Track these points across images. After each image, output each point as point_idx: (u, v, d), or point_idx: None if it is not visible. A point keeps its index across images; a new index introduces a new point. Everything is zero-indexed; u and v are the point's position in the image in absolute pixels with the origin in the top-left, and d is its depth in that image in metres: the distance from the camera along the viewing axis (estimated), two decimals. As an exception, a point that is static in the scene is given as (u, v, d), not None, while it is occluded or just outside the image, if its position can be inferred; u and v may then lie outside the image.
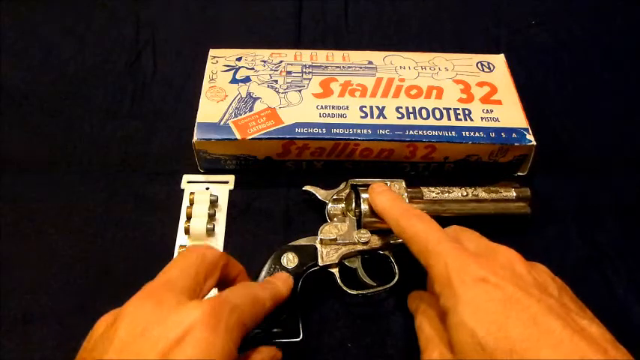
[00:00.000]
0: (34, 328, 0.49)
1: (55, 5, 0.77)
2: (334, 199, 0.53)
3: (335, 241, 0.50)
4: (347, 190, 0.54)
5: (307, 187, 0.55)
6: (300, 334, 0.46)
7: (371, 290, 0.50)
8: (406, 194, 0.52)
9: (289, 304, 0.46)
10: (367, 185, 0.53)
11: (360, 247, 0.50)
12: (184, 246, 0.54)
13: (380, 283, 0.50)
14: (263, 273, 0.48)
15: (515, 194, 0.54)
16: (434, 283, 0.38)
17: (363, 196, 0.51)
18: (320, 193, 0.54)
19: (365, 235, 0.50)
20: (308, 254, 0.49)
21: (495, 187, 0.55)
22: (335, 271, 0.50)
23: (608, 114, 0.68)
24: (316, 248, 0.50)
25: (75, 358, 0.36)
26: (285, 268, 0.48)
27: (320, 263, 0.49)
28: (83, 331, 0.49)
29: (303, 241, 0.50)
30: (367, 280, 0.50)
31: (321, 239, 0.50)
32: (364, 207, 0.51)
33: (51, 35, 0.74)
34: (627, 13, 0.80)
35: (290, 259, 0.49)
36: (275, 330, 0.45)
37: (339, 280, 0.49)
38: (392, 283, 0.50)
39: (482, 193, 0.54)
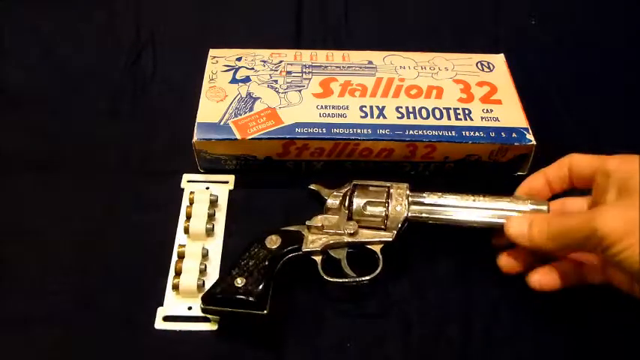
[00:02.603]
0: (34, 328, 0.49)
1: (55, 5, 0.77)
2: (333, 195, 0.54)
3: (322, 228, 0.51)
4: (347, 188, 0.54)
5: (313, 186, 0.56)
6: (265, 308, 0.47)
7: (349, 280, 0.50)
8: (407, 197, 0.52)
9: (264, 277, 0.48)
10: (369, 185, 0.53)
11: (346, 239, 0.51)
12: (184, 245, 0.54)
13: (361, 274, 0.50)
14: (246, 253, 0.49)
15: (530, 207, 0.50)
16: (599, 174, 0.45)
17: (356, 193, 0.52)
18: (324, 192, 0.54)
19: (352, 226, 0.51)
20: (292, 238, 0.51)
21: (511, 198, 0.51)
22: (317, 258, 0.50)
23: (609, 114, 0.68)
24: (302, 234, 0.51)
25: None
26: (268, 248, 0.50)
27: (303, 248, 0.50)
28: (83, 330, 0.49)
29: (292, 227, 0.52)
30: (348, 271, 0.50)
31: (308, 226, 0.51)
32: (356, 202, 0.51)
33: (51, 35, 0.74)
34: (627, 13, 0.80)
35: (273, 240, 0.50)
36: (241, 297, 0.47)
37: (319, 268, 0.50)
38: (372, 275, 0.50)
39: (488, 201, 0.51)
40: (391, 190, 0.52)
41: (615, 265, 0.41)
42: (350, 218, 0.51)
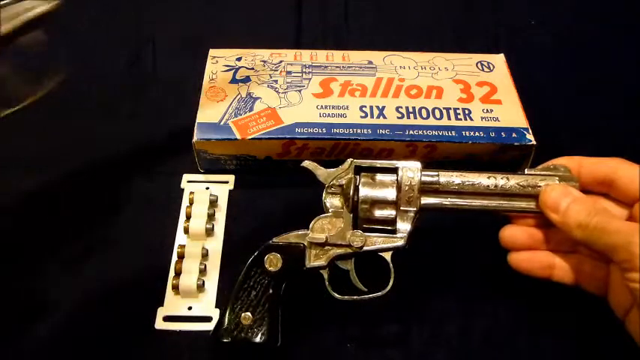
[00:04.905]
0: (34, 328, 0.49)
1: (55, 5, 0.77)
2: (330, 193, 0.47)
3: (325, 243, 0.46)
4: (349, 175, 0.47)
5: (306, 164, 0.49)
6: (278, 340, 0.45)
7: (361, 297, 0.46)
8: (419, 187, 0.45)
9: (271, 308, 0.45)
10: (371, 168, 0.47)
11: (354, 249, 0.46)
12: (184, 245, 0.54)
13: (373, 288, 0.47)
14: (241, 276, 0.46)
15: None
16: None
17: (363, 180, 0.46)
18: (319, 173, 0.48)
19: (359, 237, 0.45)
20: (294, 255, 0.46)
21: (534, 174, 0.45)
22: (324, 272, 0.46)
23: (608, 114, 0.68)
24: (304, 248, 0.46)
25: None
26: (268, 272, 0.45)
27: (307, 265, 0.46)
28: (83, 330, 0.49)
29: (292, 238, 0.46)
30: (359, 286, 0.47)
31: (309, 242, 0.46)
32: (363, 207, 0.46)
33: (51, 35, 0.74)
34: (627, 13, 0.80)
35: (273, 262, 0.45)
36: (252, 340, 0.44)
37: (327, 284, 0.46)
38: (384, 291, 0.46)
39: (513, 184, 0.45)
40: (400, 178, 0.46)
41: (627, 285, 0.39)
42: (356, 225, 0.46)
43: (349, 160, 0.48)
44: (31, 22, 0.40)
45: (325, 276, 0.46)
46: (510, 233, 0.47)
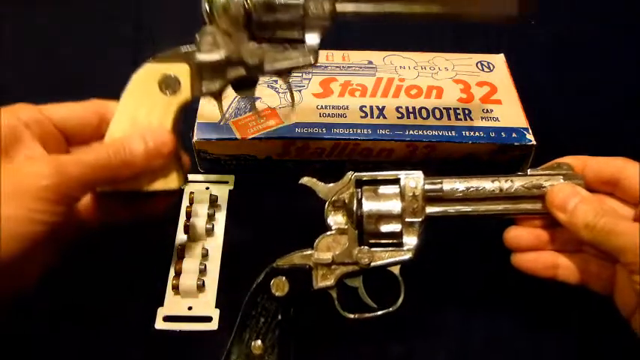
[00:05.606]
0: (33, 328, 0.49)
1: (55, 5, 0.77)
2: (332, 208, 0.46)
3: (331, 263, 0.45)
4: (351, 190, 0.46)
5: (305, 180, 0.47)
6: None
7: (372, 314, 0.45)
8: (423, 196, 0.45)
9: (281, 335, 0.44)
10: (373, 181, 0.46)
11: (361, 266, 0.45)
12: (184, 245, 0.54)
13: (379, 302, 0.46)
14: (254, 310, 0.44)
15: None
16: None
17: (365, 193, 0.45)
18: (319, 188, 0.46)
19: (366, 254, 0.44)
20: (300, 278, 0.45)
21: (538, 175, 0.44)
22: (332, 292, 0.45)
23: (608, 114, 0.68)
24: (310, 270, 0.45)
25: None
26: (276, 297, 0.44)
27: (315, 287, 0.45)
28: (83, 330, 0.49)
29: (296, 259, 0.45)
30: (369, 302, 0.46)
31: (315, 262, 0.45)
32: (368, 223, 0.44)
33: (51, 35, 0.74)
34: (627, 13, 0.80)
35: (279, 287, 0.44)
36: None
37: (336, 303, 0.45)
38: (396, 306, 0.45)
39: (518, 187, 0.44)
40: (403, 188, 0.45)
41: (634, 287, 0.39)
42: (362, 240, 0.45)
43: (349, 174, 0.46)
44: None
45: (334, 295, 0.45)
46: (515, 234, 0.46)
